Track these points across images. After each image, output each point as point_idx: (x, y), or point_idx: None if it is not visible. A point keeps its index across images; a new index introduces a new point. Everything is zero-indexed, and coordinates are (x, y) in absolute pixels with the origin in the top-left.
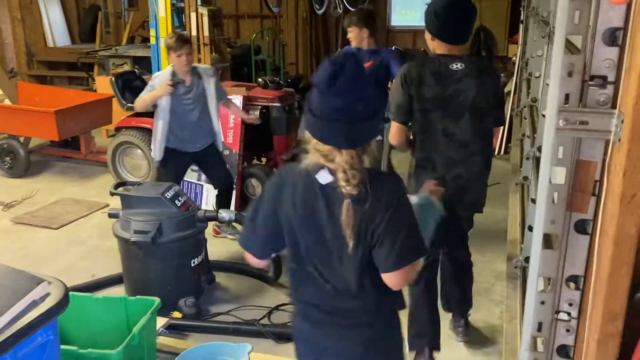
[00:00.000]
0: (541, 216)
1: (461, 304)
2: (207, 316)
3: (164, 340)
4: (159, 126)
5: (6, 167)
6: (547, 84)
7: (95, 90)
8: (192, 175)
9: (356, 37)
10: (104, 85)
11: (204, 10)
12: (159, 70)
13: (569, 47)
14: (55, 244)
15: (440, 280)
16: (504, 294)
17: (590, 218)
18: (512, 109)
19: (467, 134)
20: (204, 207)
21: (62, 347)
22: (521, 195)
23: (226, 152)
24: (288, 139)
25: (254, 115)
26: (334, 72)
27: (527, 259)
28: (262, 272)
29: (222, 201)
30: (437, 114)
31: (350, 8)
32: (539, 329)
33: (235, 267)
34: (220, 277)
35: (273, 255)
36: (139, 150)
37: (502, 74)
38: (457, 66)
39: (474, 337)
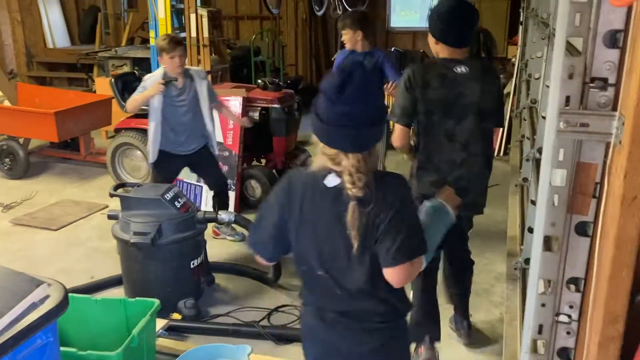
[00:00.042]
0: (542, 218)
1: (461, 303)
2: (206, 318)
3: (163, 342)
4: (152, 127)
5: (6, 168)
6: (547, 86)
7: (94, 92)
8: (191, 176)
9: (350, 39)
10: (103, 86)
11: (203, 12)
12: None
13: (570, 49)
14: (54, 246)
15: (442, 277)
16: (503, 295)
17: (590, 220)
18: (511, 110)
19: (470, 136)
20: (203, 208)
21: (61, 348)
22: (521, 196)
23: (226, 154)
24: (288, 140)
25: (246, 119)
26: (343, 81)
27: (526, 261)
28: (261, 273)
29: (219, 203)
30: (441, 117)
31: (349, 9)
32: (540, 332)
33: (235, 268)
34: (220, 279)
35: (282, 256)
36: (139, 152)
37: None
38: (461, 70)
39: (474, 338)
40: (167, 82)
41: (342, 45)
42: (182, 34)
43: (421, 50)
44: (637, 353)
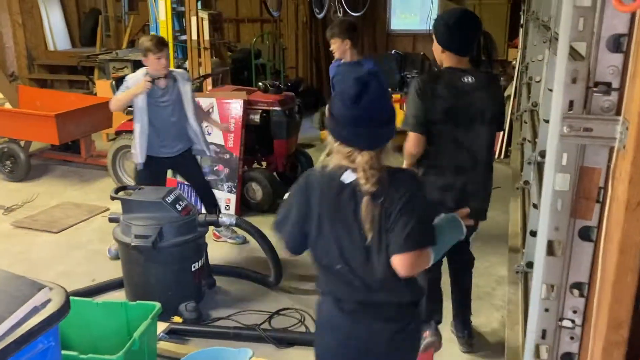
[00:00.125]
0: (545, 223)
1: (461, 310)
2: (207, 321)
3: (164, 345)
4: (138, 129)
5: (7, 171)
6: (549, 89)
7: (95, 94)
8: None
9: (338, 48)
10: (104, 89)
11: (204, 14)
12: None
13: (573, 53)
14: (55, 248)
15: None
16: (505, 298)
17: (594, 225)
18: (512, 113)
19: (476, 143)
20: (204, 211)
21: (62, 352)
22: (522, 199)
23: (226, 156)
24: (288, 143)
25: (227, 124)
26: (359, 91)
27: (528, 264)
28: (263, 276)
29: (207, 203)
30: (449, 125)
31: (350, 12)
32: (543, 337)
33: (236, 271)
34: (221, 282)
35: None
36: None
37: (502, 78)
38: (467, 80)
39: (476, 346)
40: (154, 80)
41: None
42: (183, 37)
43: (421, 53)
44: None
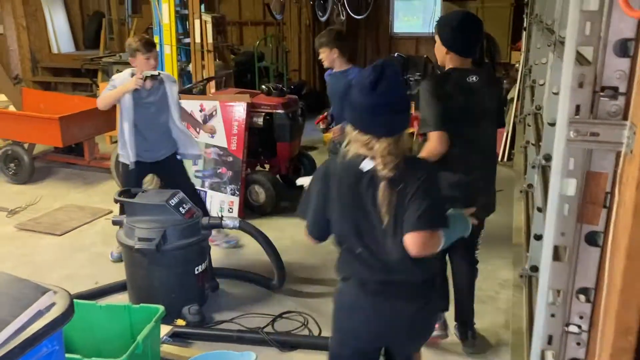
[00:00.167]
0: (551, 228)
1: (463, 312)
2: (211, 324)
3: (167, 349)
4: (126, 128)
5: (10, 173)
6: (553, 92)
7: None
8: (195, 181)
9: (327, 57)
10: None
11: (207, 17)
12: None
13: (579, 58)
14: (58, 251)
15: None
16: (509, 302)
17: (601, 230)
18: (515, 116)
19: (485, 139)
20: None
21: (66, 355)
22: (526, 202)
23: (230, 159)
24: (291, 146)
25: (212, 126)
26: (376, 78)
27: (532, 268)
28: (266, 279)
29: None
30: (459, 123)
31: (353, 15)
32: (549, 342)
33: (239, 274)
34: (224, 285)
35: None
36: None
37: (505, 81)
38: (472, 79)
39: (479, 347)
40: (146, 77)
41: None
42: (187, 40)
43: (424, 56)
44: None
